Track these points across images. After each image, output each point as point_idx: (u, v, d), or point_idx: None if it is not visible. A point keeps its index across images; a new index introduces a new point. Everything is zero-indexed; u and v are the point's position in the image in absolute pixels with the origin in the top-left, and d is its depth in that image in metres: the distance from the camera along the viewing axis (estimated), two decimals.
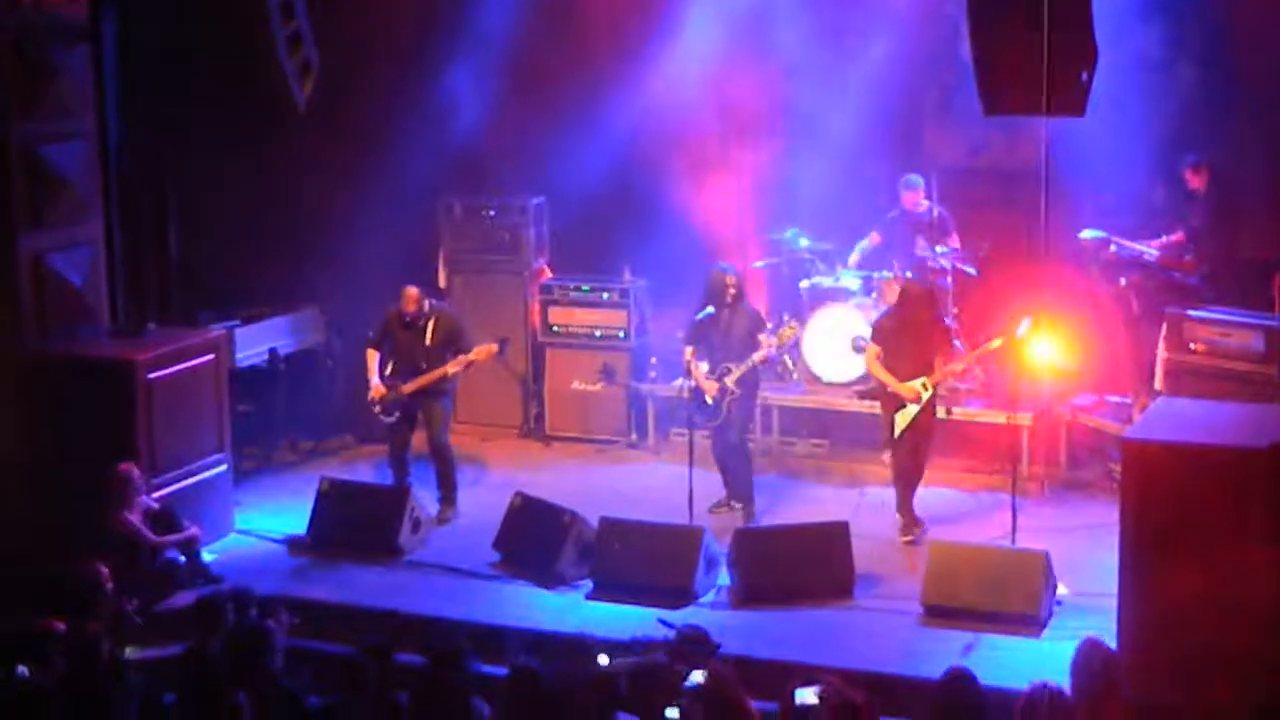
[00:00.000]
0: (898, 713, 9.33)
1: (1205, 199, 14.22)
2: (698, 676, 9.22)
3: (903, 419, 12.91)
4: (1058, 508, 13.80)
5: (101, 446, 12.65)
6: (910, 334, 12.95)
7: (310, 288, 15.86)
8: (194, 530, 12.67)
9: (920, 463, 13.13)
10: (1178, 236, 14.40)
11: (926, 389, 12.83)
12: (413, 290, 13.84)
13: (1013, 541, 12.38)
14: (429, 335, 13.74)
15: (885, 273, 15.28)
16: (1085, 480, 14.38)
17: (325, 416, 15.86)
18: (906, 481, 13.13)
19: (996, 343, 13.22)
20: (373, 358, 13.90)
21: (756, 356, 13.23)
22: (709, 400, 13.29)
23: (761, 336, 13.32)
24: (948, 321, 13.28)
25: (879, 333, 13.19)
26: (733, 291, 13.28)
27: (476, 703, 9.13)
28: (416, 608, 12.10)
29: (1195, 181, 14.25)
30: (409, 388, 13.70)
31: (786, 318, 15.43)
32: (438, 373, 13.67)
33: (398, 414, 13.80)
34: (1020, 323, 13.40)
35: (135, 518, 12.36)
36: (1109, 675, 8.87)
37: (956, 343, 13.79)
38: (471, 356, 13.76)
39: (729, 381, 13.20)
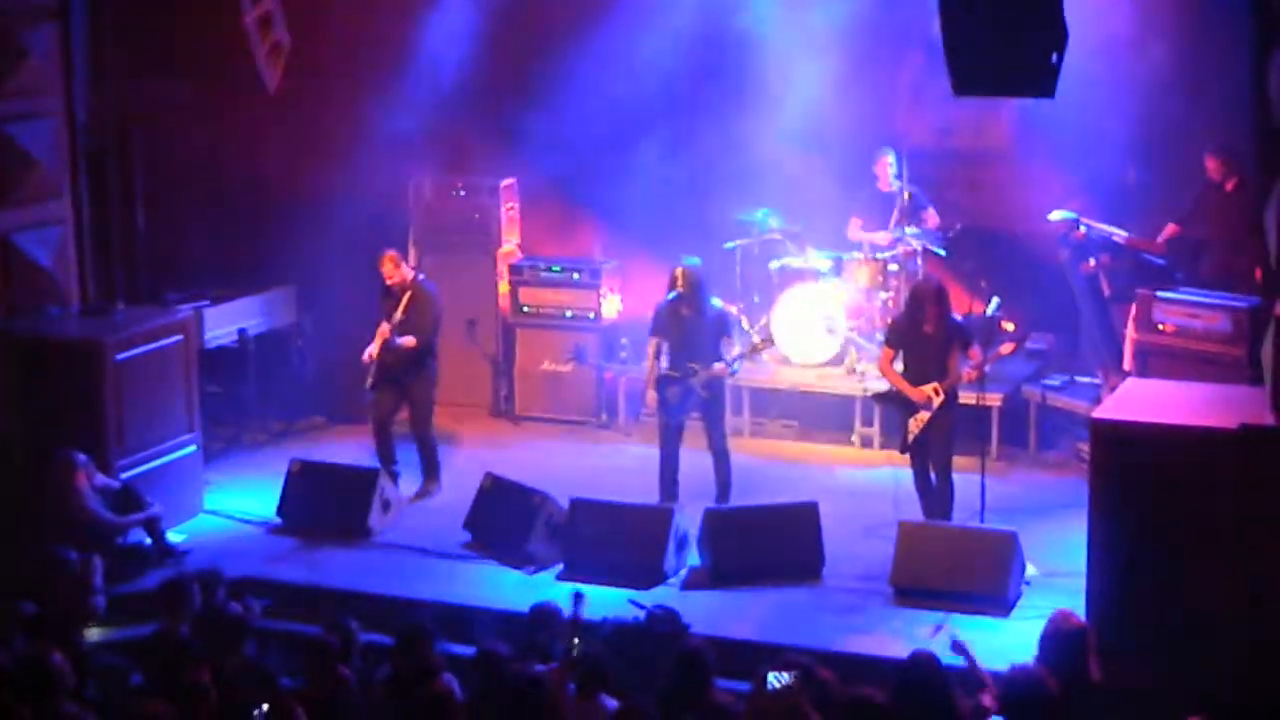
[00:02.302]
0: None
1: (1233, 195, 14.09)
2: None
3: (915, 424, 12.57)
4: (1027, 488, 13.83)
5: (70, 427, 12.60)
6: (923, 336, 12.59)
7: (280, 267, 15.80)
8: (156, 509, 12.62)
9: (944, 456, 12.60)
10: (1170, 229, 14.32)
11: (939, 394, 12.47)
12: (387, 254, 13.74)
13: (981, 521, 12.41)
14: (401, 309, 13.63)
15: (855, 254, 15.29)
16: (1054, 460, 14.43)
17: (295, 396, 15.81)
18: (937, 473, 12.69)
19: (1008, 348, 12.98)
20: (381, 328, 13.76)
21: (717, 367, 13.00)
22: (648, 401, 13.23)
23: (727, 340, 13.09)
24: (961, 321, 12.93)
25: (893, 334, 12.87)
26: (688, 287, 13.00)
27: (447, 678, 9.15)
28: (386, 589, 12.09)
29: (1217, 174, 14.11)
30: (377, 356, 13.66)
31: (758, 299, 15.47)
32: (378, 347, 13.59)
33: (371, 384, 13.74)
34: (990, 302, 13.43)
35: (90, 501, 12.29)
36: (1078, 648, 8.93)
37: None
38: (382, 333, 13.56)
39: (694, 383, 13.00)
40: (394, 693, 9.22)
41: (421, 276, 13.98)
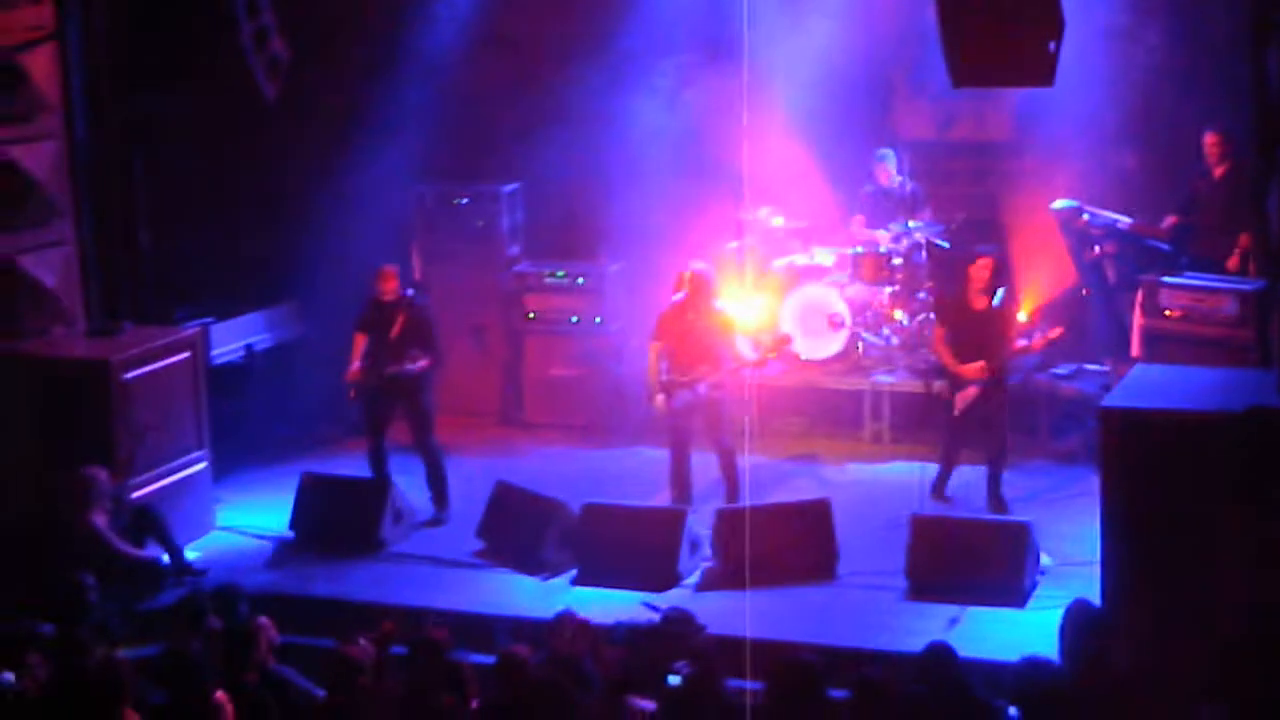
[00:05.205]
0: (883, 688, 9.32)
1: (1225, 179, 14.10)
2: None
3: (961, 400, 12.86)
4: (1039, 478, 13.82)
5: (79, 448, 12.60)
6: (970, 314, 12.97)
7: (285, 281, 15.80)
8: (153, 556, 12.54)
9: (998, 443, 13.02)
10: (1170, 220, 14.33)
11: (986, 372, 12.77)
12: (387, 270, 13.51)
13: (994, 512, 12.40)
14: (394, 328, 13.40)
15: (859, 249, 15.28)
16: (1065, 449, 14.40)
17: (305, 410, 15.76)
18: (991, 462, 13.04)
19: (1057, 331, 13.18)
20: (358, 341, 13.57)
21: (729, 366, 12.99)
22: (657, 406, 13.19)
23: (732, 343, 13.04)
24: (1008, 305, 13.21)
25: (943, 312, 13.37)
26: (696, 290, 13.01)
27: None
28: (401, 599, 12.08)
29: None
30: (365, 377, 13.52)
31: (763, 298, 15.45)
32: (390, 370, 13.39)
33: (363, 403, 13.67)
34: (995, 294, 13.43)
35: (101, 520, 12.25)
36: (1098, 635, 8.94)
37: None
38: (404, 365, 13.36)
39: (701, 386, 12.95)
40: (409, 703, 9.22)
41: (410, 291, 13.80)
